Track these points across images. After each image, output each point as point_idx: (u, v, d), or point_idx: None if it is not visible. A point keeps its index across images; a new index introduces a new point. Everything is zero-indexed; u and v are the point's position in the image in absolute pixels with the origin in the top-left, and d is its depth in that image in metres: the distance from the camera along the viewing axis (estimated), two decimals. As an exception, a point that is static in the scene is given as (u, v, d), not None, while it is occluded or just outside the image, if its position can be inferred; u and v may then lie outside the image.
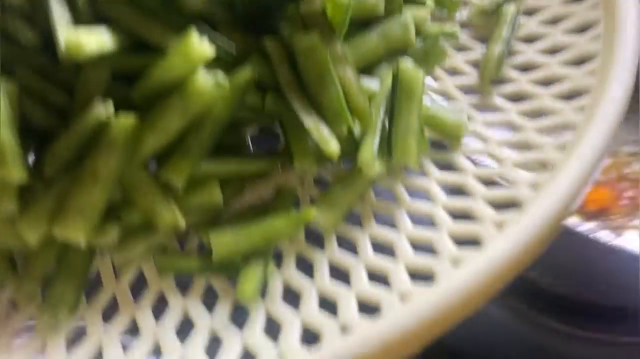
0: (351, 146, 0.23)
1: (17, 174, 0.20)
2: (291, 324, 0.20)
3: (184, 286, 0.23)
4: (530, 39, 0.28)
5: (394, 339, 0.17)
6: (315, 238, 0.24)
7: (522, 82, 0.26)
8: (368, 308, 0.20)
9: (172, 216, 0.22)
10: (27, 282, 0.22)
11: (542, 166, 0.23)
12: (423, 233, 0.22)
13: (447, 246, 0.21)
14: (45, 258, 0.22)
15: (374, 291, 0.21)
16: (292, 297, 0.22)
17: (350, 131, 0.23)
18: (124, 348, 0.22)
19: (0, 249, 0.22)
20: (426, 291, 0.18)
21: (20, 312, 0.22)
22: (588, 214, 0.54)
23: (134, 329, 0.22)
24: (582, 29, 0.26)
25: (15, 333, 0.22)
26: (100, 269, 0.23)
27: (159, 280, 0.23)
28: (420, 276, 0.20)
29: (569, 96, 0.24)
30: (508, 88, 0.26)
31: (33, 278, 0.22)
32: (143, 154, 0.21)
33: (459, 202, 0.22)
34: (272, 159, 0.24)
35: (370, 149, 0.22)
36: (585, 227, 0.45)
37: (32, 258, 0.22)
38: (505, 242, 0.18)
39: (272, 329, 0.21)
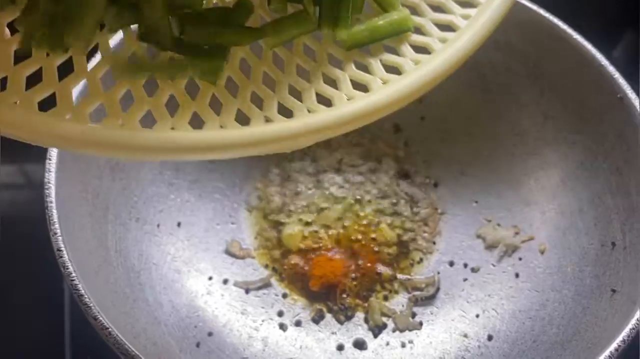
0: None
1: None
2: (232, 104, 0.29)
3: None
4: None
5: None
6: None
7: None
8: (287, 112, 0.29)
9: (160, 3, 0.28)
10: (28, 14, 0.27)
11: None
12: None
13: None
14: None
15: (291, 99, 0.30)
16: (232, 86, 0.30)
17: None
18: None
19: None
20: None
21: (15, 38, 0.28)
22: (312, 295, 0.44)
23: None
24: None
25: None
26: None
27: (135, 43, 0.30)
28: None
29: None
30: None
31: (34, 14, 0.27)
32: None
33: None
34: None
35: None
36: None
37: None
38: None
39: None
